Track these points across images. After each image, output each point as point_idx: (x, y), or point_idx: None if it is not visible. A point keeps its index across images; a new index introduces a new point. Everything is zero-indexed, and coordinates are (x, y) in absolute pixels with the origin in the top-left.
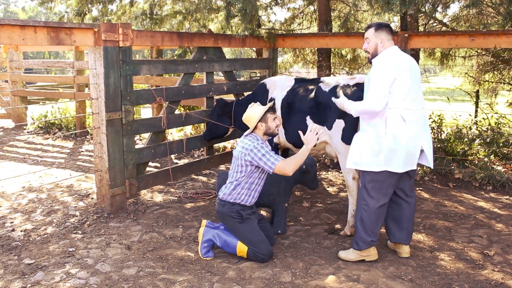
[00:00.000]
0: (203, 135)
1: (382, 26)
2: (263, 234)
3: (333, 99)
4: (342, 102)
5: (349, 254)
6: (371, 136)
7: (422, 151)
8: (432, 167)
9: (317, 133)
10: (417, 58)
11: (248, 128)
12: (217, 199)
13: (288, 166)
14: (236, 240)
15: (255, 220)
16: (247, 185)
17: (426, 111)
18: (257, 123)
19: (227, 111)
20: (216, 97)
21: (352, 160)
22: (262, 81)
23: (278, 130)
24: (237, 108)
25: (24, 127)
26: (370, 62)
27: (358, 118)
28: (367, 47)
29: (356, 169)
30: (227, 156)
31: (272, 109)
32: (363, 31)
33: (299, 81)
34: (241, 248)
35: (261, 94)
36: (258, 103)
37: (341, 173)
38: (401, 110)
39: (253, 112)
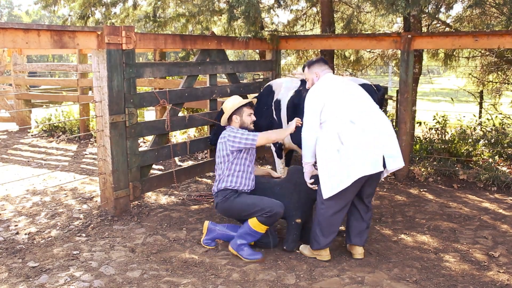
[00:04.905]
0: (209, 140)
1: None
2: (258, 196)
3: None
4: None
5: (305, 250)
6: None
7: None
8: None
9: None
10: (420, 59)
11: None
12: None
13: (270, 133)
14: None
15: (246, 194)
16: (233, 172)
17: (430, 112)
18: (232, 115)
19: None
20: (219, 99)
21: None
22: (268, 83)
23: (252, 126)
24: None
25: (28, 130)
26: None
27: None
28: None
29: None
30: None
31: (249, 104)
32: (366, 33)
33: (305, 83)
34: (254, 223)
35: (267, 96)
36: (237, 96)
37: None
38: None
39: (230, 102)
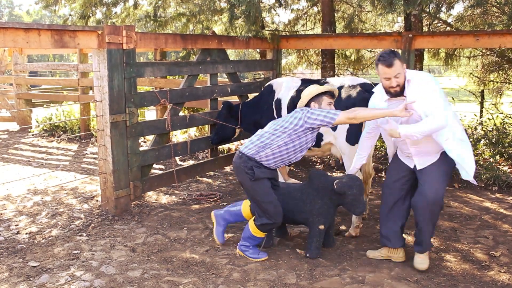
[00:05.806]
0: (211, 140)
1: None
2: (274, 196)
3: (384, 128)
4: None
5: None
6: None
7: None
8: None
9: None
10: (421, 58)
11: None
12: (237, 152)
13: (358, 111)
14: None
15: (268, 182)
16: (278, 153)
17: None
18: (310, 102)
19: (234, 113)
20: (220, 99)
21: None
22: (268, 83)
23: None
24: (244, 109)
25: (29, 130)
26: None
27: None
28: (399, 82)
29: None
30: (232, 158)
31: (330, 94)
32: (367, 32)
33: (306, 82)
34: (253, 229)
35: (267, 95)
36: (317, 84)
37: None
38: None
39: (310, 89)
